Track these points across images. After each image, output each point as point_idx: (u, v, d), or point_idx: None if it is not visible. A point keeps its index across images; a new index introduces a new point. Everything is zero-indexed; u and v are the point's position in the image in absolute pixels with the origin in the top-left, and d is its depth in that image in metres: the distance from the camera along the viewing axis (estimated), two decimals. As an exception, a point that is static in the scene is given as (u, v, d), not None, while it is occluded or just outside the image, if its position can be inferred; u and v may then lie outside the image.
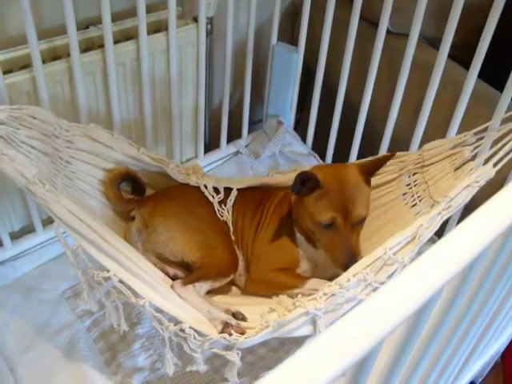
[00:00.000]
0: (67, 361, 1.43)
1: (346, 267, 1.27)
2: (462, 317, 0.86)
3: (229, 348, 1.18)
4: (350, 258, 1.29)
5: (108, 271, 1.20)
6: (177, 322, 1.18)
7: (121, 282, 1.20)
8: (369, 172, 1.38)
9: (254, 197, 1.57)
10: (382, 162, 1.41)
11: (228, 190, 1.58)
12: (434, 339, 0.78)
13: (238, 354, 1.17)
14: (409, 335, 0.64)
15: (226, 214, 1.52)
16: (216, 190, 1.57)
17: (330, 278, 1.31)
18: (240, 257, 1.49)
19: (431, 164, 1.45)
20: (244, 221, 1.52)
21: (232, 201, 1.55)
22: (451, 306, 0.73)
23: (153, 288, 1.23)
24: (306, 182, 1.33)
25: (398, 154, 1.53)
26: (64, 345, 1.46)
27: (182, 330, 1.16)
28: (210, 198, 1.55)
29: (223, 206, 1.54)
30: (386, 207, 1.52)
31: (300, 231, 1.44)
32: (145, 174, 1.59)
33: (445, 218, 1.28)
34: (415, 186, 1.47)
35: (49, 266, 1.65)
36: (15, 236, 1.69)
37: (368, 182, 1.38)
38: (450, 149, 1.41)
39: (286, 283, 1.37)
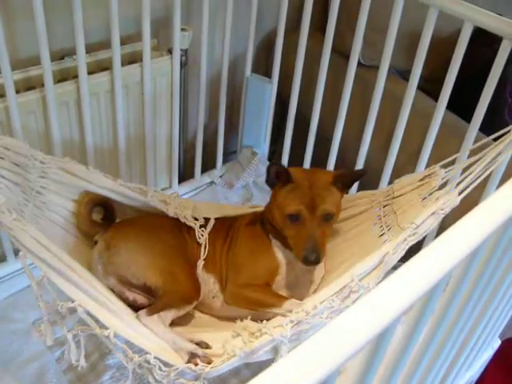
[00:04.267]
0: (36, 392, 1.41)
1: (306, 259, 1.33)
2: (426, 344, 0.87)
3: (195, 378, 1.17)
4: (310, 249, 1.33)
5: (73, 301, 1.17)
6: (142, 353, 1.16)
7: (86, 312, 1.18)
8: (341, 178, 1.43)
9: (224, 222, 1.58)
10: (355, 174, 1.48)
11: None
12: (397, 368, 0.78)
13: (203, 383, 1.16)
14: (370, 361, 0.64)
15: (205, 238, 1.53)
16: (194, 218, 1.58)
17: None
18: (212, 279, 1.48)
19: (400, 195, 1.48)
20: (215, 244, 1.53)
21: (209, 230, 1.56)
22: (414, 332, 0.74)
23: (119, 318, 1.22)
24: (280, 176, 1.40)
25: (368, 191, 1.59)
26: (33, 375, 1.44)
27: (147, 361, 1.15)
28: (192, 225, 1.55)
29: (202, 229, 1.55)
30: (355, 238, 1.54)
31: (275, 236, 1.46)
32: (119, 208, 1.59)
33: (410, 244, 1.30)
34: (384, 216, 1.49)
35: (19, 296, 1.63)
36: (-14, 266, 1.67)
37: (339, 188, 1.43)
38: (419, 180, 1.45)
39: (265, 301, 1.37)
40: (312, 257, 1.32)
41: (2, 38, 1.40)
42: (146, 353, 1.16)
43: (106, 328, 1.17)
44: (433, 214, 1.31)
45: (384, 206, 1.51)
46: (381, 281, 1.28)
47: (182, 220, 1.56)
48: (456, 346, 1.05)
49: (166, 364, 1.16)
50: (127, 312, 1.27)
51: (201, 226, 1.56)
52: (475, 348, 1.25)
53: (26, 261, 1.22)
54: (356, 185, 1.78)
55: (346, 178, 1.43)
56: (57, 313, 1.21)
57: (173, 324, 1.35)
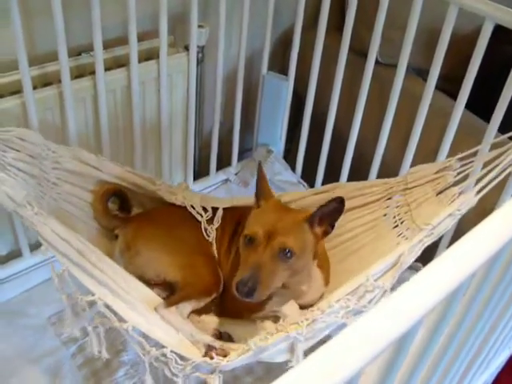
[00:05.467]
0: (51, 387, 1.41)
1: (237, 288, 1.17)
2: (445, 347, 0.86)
3: (211, 371, 1.17)
4: (247, 278, 1.17)
5: (93, 295, 1.19)
6: (159, 347, 1.17)
7: (105, 305, 1.19)
8: (318, 213, 1.26)
9: (232, 217, 1.56)
10: (332, 205, 1.25)
11: (212, 209, 1.58)
12: (416, 370, 0.78)
13: (219, 377, 1.16)
14: (391, 363, 0.64)
15: (213, 234, 1.53)
16: (204, 209, 1.57)
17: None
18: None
19: (414, 187, 1.46)
20: (222, 241, 1.52)
21: (219, 222, 1.55)
22: (434, 335, 0.73)
23: (137, 311, 1.23)
24: (262, 193, 1.34)
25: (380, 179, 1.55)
26: (48, 371, 1.44)
27: (164, 355, 1.15)
28: (199, 217, 1.55)
29: (211, 226, 1.54)
30: (366, 226, 1.53)
31: None
32: (131, 195, 1.60)
33: (426, 244, 1.30)
34: (397, 207, 1.48)
35: (35, 291, 1.64)
36: (1, 261, 1.68)
37: (317, 230, 1.28)
38: (434, 173, 1.43)
39: (251, 308, 1.36)
40: (244, 288, 1.16)
41: (20, 33, 1.40)
42: (163, 346, 1.17)
43: (125, 321, 1.18)
44: (449, 215, 1.30)
45: (397, 197, 1.50)
46: (396, 280, 1.28)
47: (189, 209, 1.56)
48: (474, 349, 1.04)
49: (182, 358, 1.16)
50: (146, 305, 1.28)
51: (210, 219, 1.55)
52: (492, 350, 1.24)
53: (47, 254, 1.23)
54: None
55: (323, 213, 1.25)
56: (77, 306, 1.23)
57: (199, 312, 1.38)
